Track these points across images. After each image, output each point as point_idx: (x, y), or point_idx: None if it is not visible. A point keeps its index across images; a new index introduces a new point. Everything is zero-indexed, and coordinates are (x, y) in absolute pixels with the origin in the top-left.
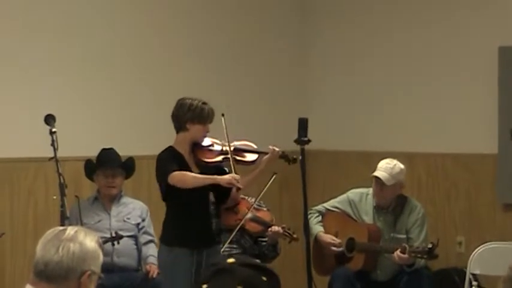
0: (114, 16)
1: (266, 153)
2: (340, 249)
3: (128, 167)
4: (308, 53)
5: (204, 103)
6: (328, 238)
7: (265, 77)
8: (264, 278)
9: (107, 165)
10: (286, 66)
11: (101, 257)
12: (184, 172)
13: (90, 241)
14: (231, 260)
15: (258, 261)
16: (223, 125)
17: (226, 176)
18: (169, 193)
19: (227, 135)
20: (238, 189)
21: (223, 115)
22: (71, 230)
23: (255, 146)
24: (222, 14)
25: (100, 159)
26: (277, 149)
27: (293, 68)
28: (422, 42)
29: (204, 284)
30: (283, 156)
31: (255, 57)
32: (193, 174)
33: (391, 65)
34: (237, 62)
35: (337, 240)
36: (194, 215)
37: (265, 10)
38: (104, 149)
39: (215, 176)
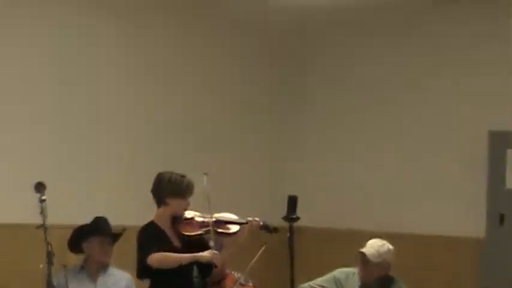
0: (101, 83)
1: (247, 224)
2: None
3: (117, 238)
4: (296, 134)
5: (182, 176)
6: None
7: (252, 153)
8: None
9: (106, 233)
10: (275, 146)
11: None
12: (164, 253)
13: None
14: None
15: None
16: (205, 184)
17: (206, 253)
18: (145, 272)
19: (209, 206)
20: (216, 266)
21: (206, 174)
22: None
23: (236, 217)
24: (208, 90)
25: (98, 226)
26: (257, 219)
27: (281, 147)
28: (413, 123)
29: None
30: (264, 226)
31: (242, 136)
32: (173, 254)
33: (381, 146)
34: (225, 136)
35: None
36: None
37: (251, 87)
38: (98, 217)
39: (194, 254)
